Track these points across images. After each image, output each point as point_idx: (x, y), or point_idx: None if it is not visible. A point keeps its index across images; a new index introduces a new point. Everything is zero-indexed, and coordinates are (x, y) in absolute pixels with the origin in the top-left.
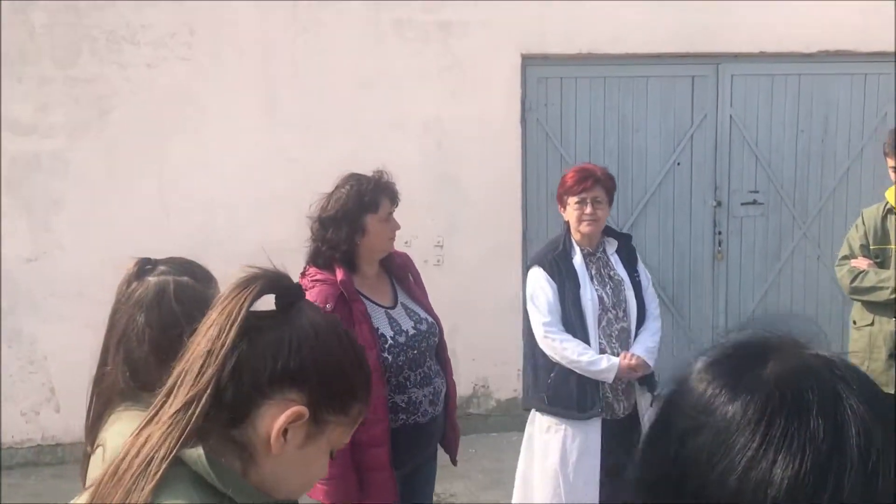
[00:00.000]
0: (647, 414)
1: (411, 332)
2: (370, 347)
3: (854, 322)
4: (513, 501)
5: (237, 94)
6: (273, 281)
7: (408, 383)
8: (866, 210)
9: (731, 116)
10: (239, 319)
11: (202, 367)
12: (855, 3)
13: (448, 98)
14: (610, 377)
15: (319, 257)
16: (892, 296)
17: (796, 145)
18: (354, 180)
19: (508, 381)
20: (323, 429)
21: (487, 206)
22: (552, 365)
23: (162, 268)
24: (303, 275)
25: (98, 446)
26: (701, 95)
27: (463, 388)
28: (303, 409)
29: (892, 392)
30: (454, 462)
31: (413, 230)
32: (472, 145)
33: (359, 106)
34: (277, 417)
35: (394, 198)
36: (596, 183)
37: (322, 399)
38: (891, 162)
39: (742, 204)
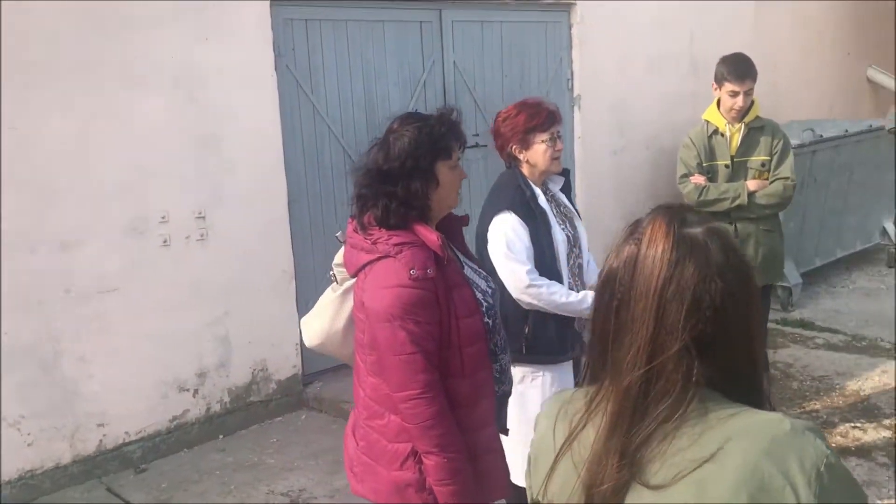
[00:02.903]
0: None
1: (489, 291)
2: (473, 312)
3: None
4: None
5: None
6: None
7: (497, 349)
8: (692, 132)
9: (454, 62)
10: None
11: None
12: None
13: (200, 44)
14: None
15: (391, 216)
16: (732, 205)
17: (503, 89)
18: (419, 121)
19: (287, 360)
20: None
21: (250, 168)
22: (526, 314)
23: (690, 217)
24: (368, 238)
25: (706, 462)
26: (429, 41)
27: (240, 377)
28: None
29: None
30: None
31: (169, 202)
32: (229, 98)
33: (91, 54)
34: None
35: (462, 141)
36: (559, 117)
37: None
38: (729, 87)
39: (468, 147)
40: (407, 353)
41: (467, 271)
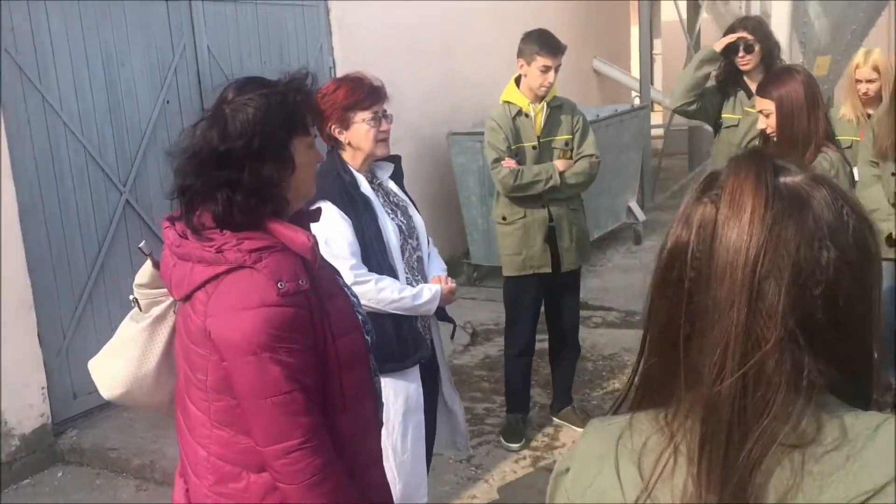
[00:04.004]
0: (445, 348)
1: (356, 301)
2: (352, 328)
3: (504, 219)
4: None
5: None
6: None
7: (373, 372)
8: (495, 114)
9: (208, 47)
10: None
11: None
12: None
13: None
14: (433, 307)
15: (237, 212)
16: (546, 186)
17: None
18: (265, 87)
19: (32, 408)
20: None
21: None
22: None
23: (784, 163)
24: (208, 246)
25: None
26: (178, 23)
27: None
28: None
29: (549, 270)
30: None
31: None
32: None
33: None
34: None
35: (316, 112)
36: (383, 94)
37: None
38: (542, 62)
39: None
40: (282, 394)
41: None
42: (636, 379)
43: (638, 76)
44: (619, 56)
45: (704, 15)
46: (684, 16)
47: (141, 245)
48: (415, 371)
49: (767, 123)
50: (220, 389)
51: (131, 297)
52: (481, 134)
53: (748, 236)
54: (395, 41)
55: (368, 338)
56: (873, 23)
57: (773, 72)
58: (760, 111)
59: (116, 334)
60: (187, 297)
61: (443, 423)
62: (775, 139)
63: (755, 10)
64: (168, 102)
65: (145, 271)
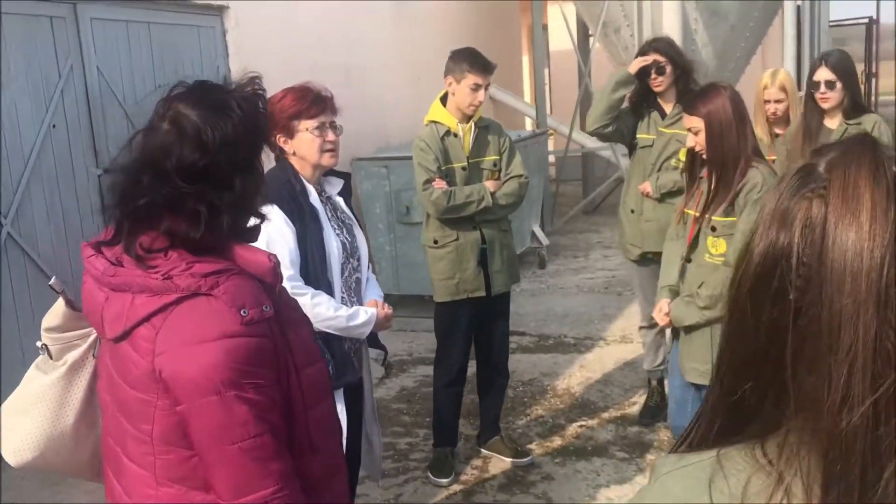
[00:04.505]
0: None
1: (314, 329)
2: (316, 360)
3: (435, 242)
4: None
5: None
6: None
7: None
8: (424, 134)
9: (98, 67)
10: None
11: None
12: None
13: None
14: (367, 331)
15: (217, 231)
16: (479, 208)
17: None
18: (229, 93)
19: None
20: None
21: None
22: None
23: (891, 153)
24: (153, 272)
25: None
26: (63, 41)
27: None
28: None
29: (483, 294)
30: None
31: None
32: None
33: None
34: None
35: (269, 119)
36: (331, 104)
37: None
38: (472, 80)
39: None
40: (251, 437)
41: None
42: (712, 408)
43: (530, 103)
44: (511, 84)
45: (596, 44)
46: (577, 44)
47: (52, 282)
48: (338, 395)
49: (696, 141)
50: (169, 440)
51: (39, 343)
52: (386, 159)
53: (870, 235)
54: (295, 65)
55: (332, 369)
56: (754, 51)
57: (700, 89)
58: (689, 129)
59: (20, 389)
60: (125, 335)
61: (363, 451)
62: (704, 156)
63: (646, 38)
64: (54, 126)
65: (56, 312)
